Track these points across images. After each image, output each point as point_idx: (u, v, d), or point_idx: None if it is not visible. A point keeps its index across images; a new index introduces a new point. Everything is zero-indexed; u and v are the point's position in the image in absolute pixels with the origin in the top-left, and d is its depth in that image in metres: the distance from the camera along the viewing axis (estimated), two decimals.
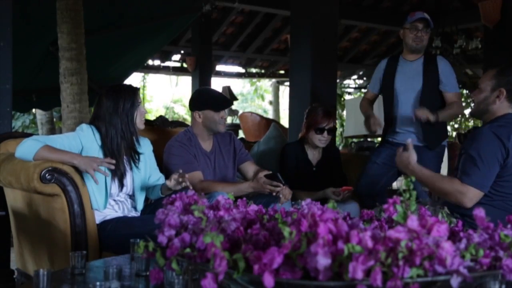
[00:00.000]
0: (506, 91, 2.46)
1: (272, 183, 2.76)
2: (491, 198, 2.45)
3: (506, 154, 2.39)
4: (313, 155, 3.53)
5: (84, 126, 2.57)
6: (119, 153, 2.55)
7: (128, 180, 2.62)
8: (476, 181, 2.40)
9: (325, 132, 3.41)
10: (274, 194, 2.76)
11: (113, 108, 2.54)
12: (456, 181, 2.43)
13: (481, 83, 2.56)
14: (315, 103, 3.68)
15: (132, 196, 2.68)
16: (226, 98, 3.12)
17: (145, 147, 2.75)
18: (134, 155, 2.65)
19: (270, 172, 2.85)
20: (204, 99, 3.02)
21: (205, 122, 3.00)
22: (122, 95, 2.56)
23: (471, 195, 2.40)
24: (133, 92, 2.59)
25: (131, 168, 2.65)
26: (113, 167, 2.44)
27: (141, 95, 2.73)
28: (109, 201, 2.56)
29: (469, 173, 2.40)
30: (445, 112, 3.34)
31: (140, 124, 2.63)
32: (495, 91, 2.48)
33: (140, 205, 2.68)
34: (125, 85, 2.69)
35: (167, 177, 2.82)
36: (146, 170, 2.71)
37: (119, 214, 2.59)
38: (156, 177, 2.76)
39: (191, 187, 2.59)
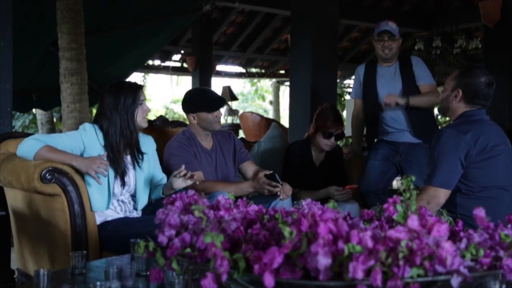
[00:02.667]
0: (462, 92, 2.60)
1: (271, 184, 2.76)
2: (471, 192, 2.53)
3: (469, 147, 2.49)
4: (317, 156, 3.54)
5: (87, 126, 2.56)
6: (118, 150, 2.54)
7: (131, 179, 2.61)
8: (439, 180, 2.52)
9: (333, 138, 3.40)
10: (271, 193, 2.76)
11: (113, 104, 2.53)
12: (427, 188, 2.54)
13: (446, 82, 2.72)
14: (326, 102, 3.67)
15: (134, 196, 2.67)
16: (219, 98, 3.08)
17: (149, 145, 2.74)
18: (137, 154, 2.64)
19: (270, 171, 2.85)
20: (197, 101, 3.00)
21: (200, 124, 3.00)
22: (123, 92, 2.55)
23: (437, 193, 2.52)
24: (135, 89, 2.58)
25: (134, 167, 2.64)
26: (105, 173, 2.43)
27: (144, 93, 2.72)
28: (112, 201, 2.56)
29: (433, 174, 2.53)
30: (417, 97, 3.44)
31: (142, 122, 2.61)
32: (454, 91, 2.62)
33: (141, 204, 2.67)
34: (128, 82, 2.66)
35: (168, 177, 2.82)
36: (150, 169, 2.70)
37: (121, 215, 2.59)
38: (159, 177, 2.75)
39: (198, 181, 2.60)
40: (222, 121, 3.08)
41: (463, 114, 2.61)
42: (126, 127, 2.54)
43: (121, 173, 2.54)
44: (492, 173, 2.53)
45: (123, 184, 2.56)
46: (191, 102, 3.03)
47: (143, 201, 2.68)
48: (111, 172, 2.52)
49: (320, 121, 3.41)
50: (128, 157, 2.62)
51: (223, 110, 3.16)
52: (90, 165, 2.39)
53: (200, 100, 3.00)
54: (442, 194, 2.51)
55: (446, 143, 2.52)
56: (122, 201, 2.61)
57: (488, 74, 2.60)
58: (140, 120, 2.59)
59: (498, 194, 2.54)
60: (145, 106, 2.61)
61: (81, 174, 2.47)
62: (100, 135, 2.54)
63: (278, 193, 2.77)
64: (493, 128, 2.62)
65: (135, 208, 2.66)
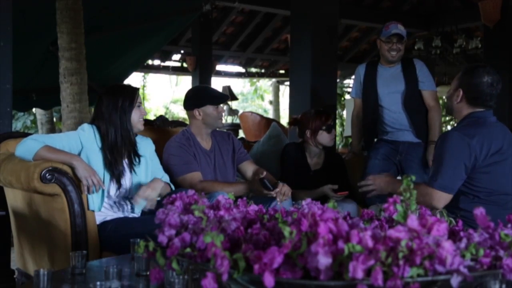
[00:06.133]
0: (463, 92, 2.52)
1: (262, 191, 2.77)
2: (477, 197, 2.47)
3: (475, 152, 2.42)
4: (312, 159, 3.54)
5: (85, 126, 2.57)
6: (117, 151, 2.55)
7: (126, 182, 2.60)
8: (441, 183, 2.45)
9: (333, 130, 3.52)
10: (269, 195, 2.76)
11: (112, 106, 2.55)
12: (423, 185, 2.49)
13: (453, 80, 2.64)
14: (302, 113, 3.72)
15: (130, 199, 2.66)
16: (222, 93, 3.16)
17: (147, 147, 2.74)
18: (134, 158, 2.64)
19: (263, 175, 2.85)
20: (202, 96, 3.03)
21: (205, 119, 3.00)
22: (121, 94, 2.58)
23: (437, 196, 2.44)
24: (132, 91, 2.61)
25: (130, 171, 2.63)
26: (91, 191, 2.43)
27: (141, 96, 2.73)
28: (108, 202, 2.56)
29: (436, 176, 2.46)
30: (434, 132, 3.46)
31: (138, 124, 2.62)
32: (456, 91, 2.54)
33: (139, 207, 2.64)
34: (126, 85, 2.71)
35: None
36: (147, 172, 2.69)
37: (120, 215, 2.58)
38: (159, 176, 2.75)
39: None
40: (222, 121, 3.10)
41: (468, 116, 2.52)
42: (124, 128, 2.56)
43: (117, 176, 2.54)
44: (499, 178, 2.46)
45: (119, 186, 2.56)
46: (196, 96, 3.05)
47: (140, 204, 2.66)
48: (107, 175, 2.52)
49: (313, 123, 3.46)
50: (126, 160, 2.63)
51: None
52: (89, 174, 2.40)
53: (205, 94, 3.04)
54: (441, 198, 2.44)
55: (452, 146, 2.44)
56: (119, 203, 2.61)
57: (493, 74, 2.50)
58: (136, 122, 2.60)
59: (502, 199, 2.48)
60: (142, 109, 2.63)
61: None
62: (98, 136, 2.56)
63: (275, 196, 2.77)
64: (500, 130, 2.54)
65: (133, 211, 2.65)
